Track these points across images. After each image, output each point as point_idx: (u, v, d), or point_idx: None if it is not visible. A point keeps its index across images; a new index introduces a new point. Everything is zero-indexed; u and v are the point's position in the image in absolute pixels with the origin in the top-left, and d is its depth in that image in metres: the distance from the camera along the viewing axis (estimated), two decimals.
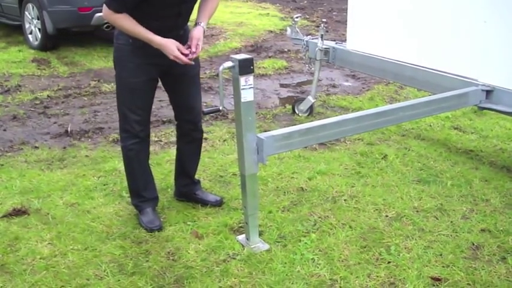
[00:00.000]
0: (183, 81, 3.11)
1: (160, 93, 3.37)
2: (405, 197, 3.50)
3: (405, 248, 2.93)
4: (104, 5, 2.77)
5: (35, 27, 7.64)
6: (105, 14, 2.80)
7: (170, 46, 2.79)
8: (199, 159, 3.45)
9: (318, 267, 2.76)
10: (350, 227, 3.14)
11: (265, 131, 3.27)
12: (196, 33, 2.88)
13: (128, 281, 2.67)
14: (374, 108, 3.42)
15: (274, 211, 3.30)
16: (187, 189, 3.41)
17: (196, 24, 2.94)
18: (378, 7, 4.50)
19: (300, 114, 5.14)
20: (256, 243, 2.94)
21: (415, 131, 4.71)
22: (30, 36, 7.82)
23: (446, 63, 3.93)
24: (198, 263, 2.81)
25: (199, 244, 2.97)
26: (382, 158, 4.11)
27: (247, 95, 2.65)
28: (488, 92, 3.67)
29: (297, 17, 5.19)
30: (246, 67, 2.61)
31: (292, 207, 3.38)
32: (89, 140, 4.56)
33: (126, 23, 2.78)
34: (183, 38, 2.93)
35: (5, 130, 4.77)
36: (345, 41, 4.92)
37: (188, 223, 3.18)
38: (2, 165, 4.01)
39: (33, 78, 6.43)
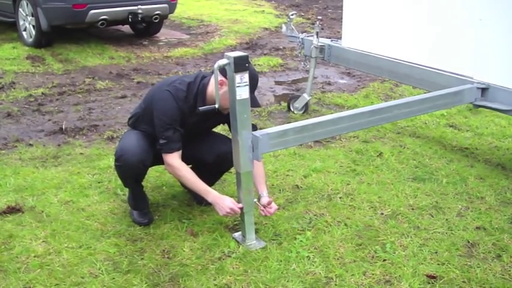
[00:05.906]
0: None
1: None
2: (400, 194, 3.50)
3: (400, 246, 2.93)
4: (166, 157, 2.93)
5: (29, 24, 7.60)
6: (168, 164, 2.95)
7: (226, 202, 2.90)
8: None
9: (313, 265, 2.76)
10: (345, 224, 3.14)
11: (261, 129, 3.27)
12: (269, 200, 3.04)
13: (123, 279, 2.66)
14: (369, 105, 3.42)
15: None
16: None
17: (260, 196, 3.07)
18: (373, 4, 4.49)
19: (295, 112, 5.14)
20: (252, 241, 2.94)
21: (410, 128, 4.72)
22: (24, 33, 7.78)
23: (441, 61, 3.93)
24: (193, 260, 2.80)
25: (194, 242, 2.97)
26: (378, 156, 4.11)
27: (242, 93, 2.64)
28: (484, 90, 3.68)
29: (292, 15, 5.18)
30: (241, 65, 2.60)
31: (288, 205, 3.38)
32: (84, 137, 4.54)
33: (187, 175, 2.96)
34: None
35: None
36: (340, 38, 4.92)
37: (183, 221, 3.18)
38: None
39: (28, 76, 6.40)
